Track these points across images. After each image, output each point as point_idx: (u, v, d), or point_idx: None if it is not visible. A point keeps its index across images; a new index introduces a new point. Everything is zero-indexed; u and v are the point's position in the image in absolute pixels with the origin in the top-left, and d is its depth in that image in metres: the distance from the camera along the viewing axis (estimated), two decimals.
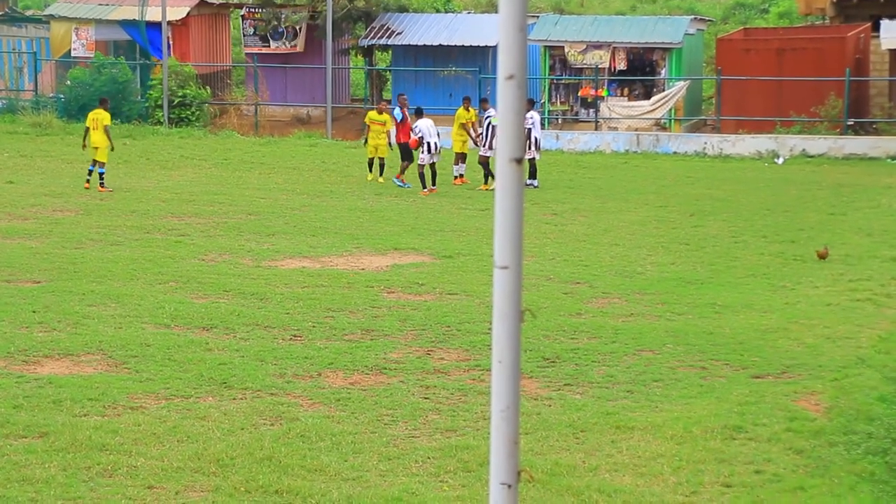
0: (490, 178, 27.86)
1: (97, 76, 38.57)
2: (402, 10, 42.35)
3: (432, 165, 28.06)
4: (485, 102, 29.57)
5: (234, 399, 12.59)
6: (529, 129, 28.08)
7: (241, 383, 13.09)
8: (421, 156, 28.02)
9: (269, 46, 42.02)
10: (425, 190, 27.73)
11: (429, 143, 27.92)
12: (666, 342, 15.01)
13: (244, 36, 42.44)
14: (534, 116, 28.76)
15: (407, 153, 28.65)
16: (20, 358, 13.91)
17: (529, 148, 28.01)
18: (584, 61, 38.23)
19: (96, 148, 26.97)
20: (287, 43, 41.91)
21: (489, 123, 28.22)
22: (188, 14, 40.78)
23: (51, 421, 11.69)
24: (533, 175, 28.26)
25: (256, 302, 16.80)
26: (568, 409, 12.39)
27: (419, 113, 28.60)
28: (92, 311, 15.99)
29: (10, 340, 14.54)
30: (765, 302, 17.25)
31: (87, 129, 27.34)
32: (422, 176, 27.96)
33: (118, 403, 12.34)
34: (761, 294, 17.77)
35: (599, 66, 38.02)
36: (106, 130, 27.06)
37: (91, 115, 27.52)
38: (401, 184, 28.57)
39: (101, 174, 27.01)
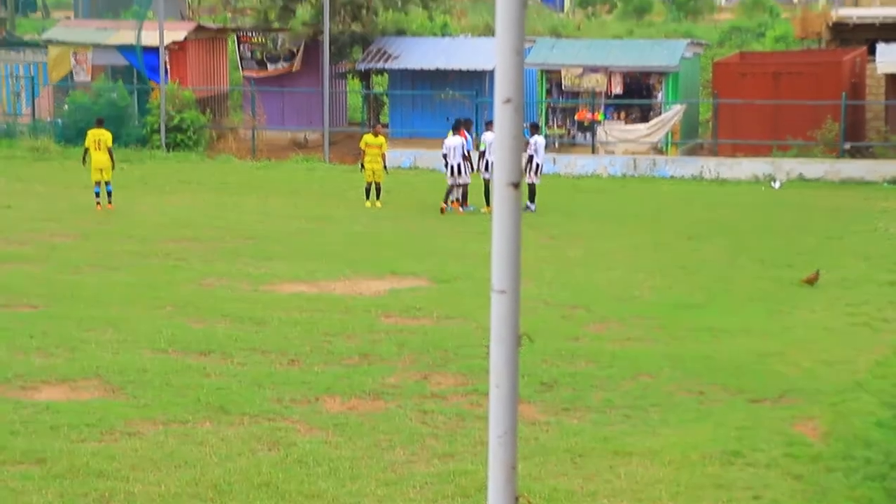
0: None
1: (96, 100, 38.63)
2: (400, 33, 42.47)
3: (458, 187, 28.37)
4: (490, 125, 29.63)
5: (231, 424, 12.57)
6: (532, 155, 28.24)
7: (238, 408, 13.07)
8: (453, 176, 28.27)
9: (266, 69, 42.11)
10: (458, 208, 28.24)
11: (452, 166, 28.07)
12: (663, 367, 15.00)
13: (241, 59, 42.54)
14: (538, 142, 28.89)
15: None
16: (17, 383, 13.88)
17: (531, 173, 28.18)
18: (581, 85, 38.31)
19: (101, 169, 27.21)
20: (284, 64, 42.01)
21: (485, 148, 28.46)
22: (185, 38, 40.86)
23: (48, 447, 11.67)
24: (531, 199, 28.33)
25: (254, 327, 16.78)
26: (566, 435, 12.37)
27: (455, 128, 28.69)
28: (89, 337, 15.97)
29: (8, 366, 14.51)
30: (762, 326, 17.25)
31: (87, 149, 27.54)
32: (464, 195, 28.47)
33: (115, 429, 12.32)
34: (758, 318, 17.77)
35: (596, 90, 38.10)
36: (110, 151, 27.39)
37: (92, 135, 27.65)
38: (467, 208, 28.63)
39: (109, 192, 27.31)
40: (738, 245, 24.00)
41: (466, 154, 28.39)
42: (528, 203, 28.17)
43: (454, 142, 28.31)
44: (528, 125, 30.17)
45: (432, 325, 17.11)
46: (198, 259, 21.82)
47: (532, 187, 28.34)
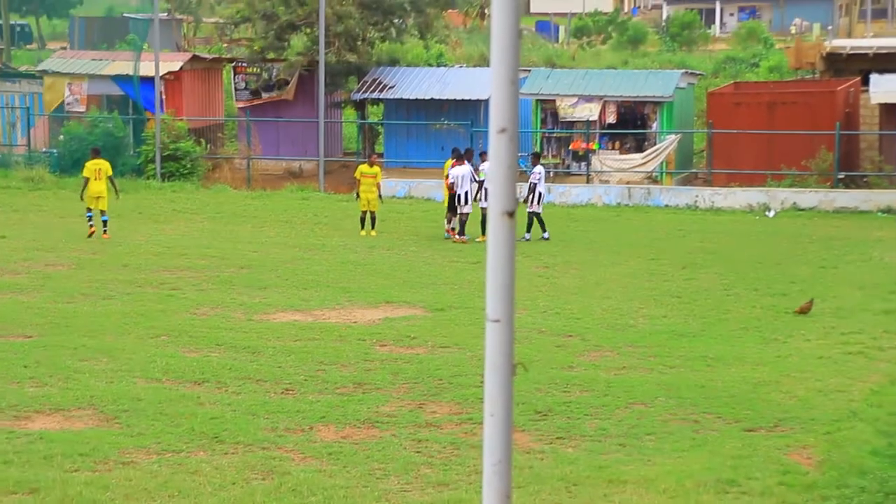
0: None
1: (92, 130, 38.66)
2: (394, 63, 42.59)
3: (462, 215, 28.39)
4: (484, 155, 29.73)
5: (225, 453, 12.55)
6: (535, 184, 28.41)
7: (232, 437, 13.05)
8: (459, 205, 28.34)
9: (260, 98, 42.17)
10: (463, 237, 28.24)
11: (459, 195, 28.15)
12: (658, 395, 15.00)
13: (235, 90, 42.64)
14: (541, 171, 29.07)
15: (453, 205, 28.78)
16: (11, 413, 13.86)
17: (534, 202, 28.32)
18: (575, 115, 38.41)
19: (99, 197, 27.41)
20: (277, 93, 42.09)
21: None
22: (181, 69, 40.97)
23: (41, 476, 11.64)
24: (529, 228, 28.48)
25: (248, 356, 16.77)
26: (560, 463, 12.36)
27: (459, 158, 28.77)
28: (83, 366, 15.95)
29: (1, 396, 14.49)
30: (757, 355, 17.25)
31: (87, 179, 27.64)
32: (462, 224, 28.32)
33: (109, 458, 12.30)
34: (753, 347, 17.78)
35: (590, 120, 38.21)
36: (111, 179, 27.68)
37: (92, 165, 27.81)
38: (449, 236, 28.63)
39: (105, 221, 27.46)
40: (733, 274, 24.01)
41: (474, 179, 28.54)
42: (528, 232, 28.31)
43: (462, 170, 28.39)
44: (530, 154, 30.26)
45: (427, 353, 17.11)
46: (192, 288, 21.81)
47: (531, 216, 28.51)
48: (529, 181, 28.63)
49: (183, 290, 21.57)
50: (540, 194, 28.77)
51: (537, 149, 38.27)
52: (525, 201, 28.39)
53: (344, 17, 41.17)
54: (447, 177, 28.99)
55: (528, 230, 28.44)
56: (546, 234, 28.60)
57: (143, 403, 14.25)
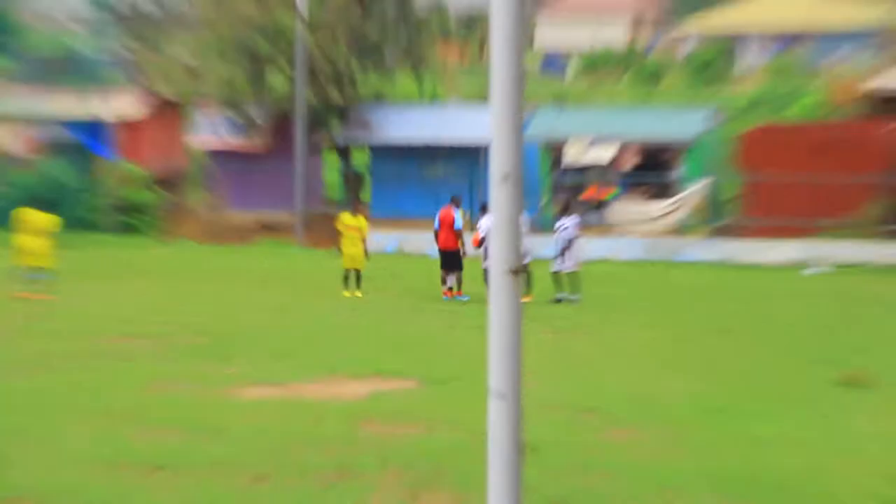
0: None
1: (39, 179, 38.67)
2: (379, 97, 42.68)
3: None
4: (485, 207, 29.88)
5: None
6: (571, 240, 28.34)
7: None
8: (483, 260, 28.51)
9: (228, 143, 42.21)
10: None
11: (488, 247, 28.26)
12: (693, 482, 14.66)
13: (200, 132, 42.72)
14: (570, 224, 29.08)
15: (450, 261, 28.76)
16: None
17: (572, 259, 28.38)
18: (588, 160, 38.43)
19: (32, 254, 27.75)
20: (248, 140, 42.16)
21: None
22: (140, 110, 41.02)
23: None
24: (579, 288, 28.59)
25: (213, 436, 16.51)
26: None
27: (483, 209, 28.99)
28: (18, 452, 15.64)
29: None
30: (805, 434, 16.99)
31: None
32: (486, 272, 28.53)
33: None
34: (802, 424, 17.55)
35: (608, 165, 38.20)
36: (48, 236, 27.92)
37: (26, 214, 28.17)
38: (456, 297, 28.85)
39: (40, 280, 27.78)
40: (774, 339, 23.96)
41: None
42: (576, 293, 28.42)
43: (490, 221, 28.62)
44: (562, 203, 30.45)
45: (421, 434, 16.89)
46: (149, 358, 21.78)
47: (575, 276, 28.57)
48: (562, 237, 28.58)
49: (138, 361, 21.50)
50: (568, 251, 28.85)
51: (547, 198, 38.33)
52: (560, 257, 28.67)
53: (333, 57, 41.29)
54: (437, 230, 29.06)
55: (573, 290, 28.54)
56: (561, 296, 28.63)
57: (89, 496, 13.91)
